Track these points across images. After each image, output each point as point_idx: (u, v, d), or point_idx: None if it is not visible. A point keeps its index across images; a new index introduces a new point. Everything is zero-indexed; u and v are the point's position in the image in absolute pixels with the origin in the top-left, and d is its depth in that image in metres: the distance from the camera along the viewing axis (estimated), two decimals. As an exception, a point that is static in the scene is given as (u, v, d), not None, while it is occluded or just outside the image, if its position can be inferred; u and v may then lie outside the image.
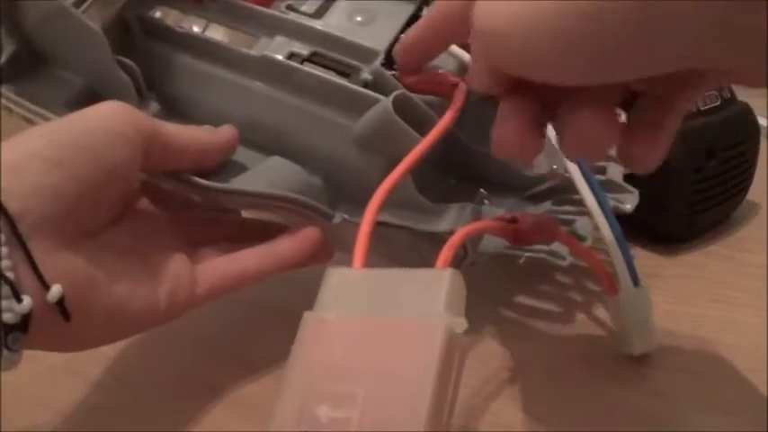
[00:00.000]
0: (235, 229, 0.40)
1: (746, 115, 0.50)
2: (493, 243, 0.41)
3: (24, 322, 0.28)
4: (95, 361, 0.42)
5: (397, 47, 0.37)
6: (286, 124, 0.40)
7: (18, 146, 0.30)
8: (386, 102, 0.37)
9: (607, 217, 0.39)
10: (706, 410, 0.36)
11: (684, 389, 0.38)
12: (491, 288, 0.46)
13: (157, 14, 0.44)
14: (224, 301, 0.45)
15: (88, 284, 0.31)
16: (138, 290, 0.33)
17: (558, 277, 0.47)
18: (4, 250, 0.28)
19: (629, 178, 0.44)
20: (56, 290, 0.29)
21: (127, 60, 0.40)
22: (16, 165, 0.29)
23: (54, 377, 0.41)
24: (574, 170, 0.40)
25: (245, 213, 0.44)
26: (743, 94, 0.51)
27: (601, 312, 0.44)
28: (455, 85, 0.38)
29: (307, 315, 0.29)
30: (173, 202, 0.39)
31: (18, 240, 0.28)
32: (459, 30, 0.32)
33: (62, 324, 0.30)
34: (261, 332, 0.43)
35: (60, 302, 0.29)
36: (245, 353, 0.42)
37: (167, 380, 0.41)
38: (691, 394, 0.37)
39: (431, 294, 0.28)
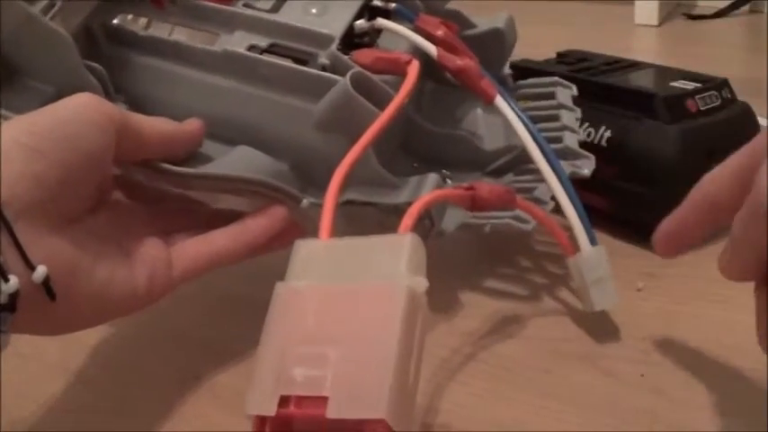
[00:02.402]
0: (206, 219, 0.41)
1: (746, 115, 0.50)
2: (458, 215, 0.43)
3: (12, 302, 0.29)
4: (93, 360, 0.43)
5: (656, 235, 0.36)
6: (250, 115, 0.42)
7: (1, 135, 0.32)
8: (344, 80, 0.38)
9: (561, 180, 0.40)
10: (706, 410, 0.36)
11: (684, 388, 0.37)
12: (478, 286, 0.47)
13: (120, 21, 0.45)
14: (218, 300, 0.46)
15: (72, 267, 0.32)
16: (118, 273, 0.35)
17: (552, 268, 0.48)
18: None
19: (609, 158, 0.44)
20: (41, 270, 0.30)
21: (94, 64, 0.41)
22: (3, 154, 0.31)
23: (53, 376, 0.42)
24: (527, 139, 0.41)
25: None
26: (743, 95, 0.51)
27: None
28: (408, 63, 0.40)
29: (279, 285, 0.31)
30: (145, 196, 0.41)
31: (4, 224, 0.29)
32: (724, 216, 0.32)
33: (48, 305, 0.31)
34: (257, 329, 0.44)
35: (46, 282, 0.30)
36: (242, 350, 0.42)
37: (165, 379, 0.41)
38: (690, 394, 0.37)
39: (393, 258, 0.30)
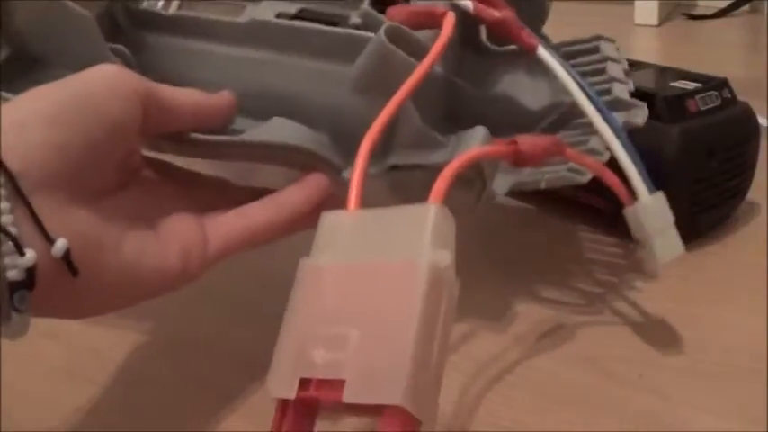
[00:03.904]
0: (240, 197, 0.39)
1: (747, 115, 0.50)
2: (510, 177, 0.41)
3: (29, 278, 0.28)
4: (95, 361, 0.42)
5: None
6: (284, 86, 0.40)
7: (20, 106, 0.31)
8: (379, 34, 0.36)
9: (613, 128, 0.39)
10: (705, 410, 0.36)
11: (684, 389, 0.37)
12: (486, 286, 0.46)
13: (144, 4, 0.44)
14: (226, 304, 0.45)
15: (96, 242, 0.31)
16: (148, 250, 0.33)
17: (564, 271, 0.48)
18: (6, 205, 0.28)
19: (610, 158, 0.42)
20: (61, 243, 0.29)
21: (119, 47, 0.40)
22: (19, 123, 0.30)
23: (54, 377, 0.41)
24: (573, 88, 0.39)
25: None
26: (743, 95, 0.50)
27: (601, 309, 0.44)
28: (443, 15, 0.38)
29: (302, 262, 0.30)
30: (177, 177, 0.40)
31: (19, 195, 0.28)
32: None
33: (71, 283, 0.30)
34: (262, 333, 0.44)
35: (67, 257, 0.29)
36: (249, 353, 0.40)
37: (167, 380, 0.41)
38: (690, 394, 0.37)
39: (417, 231, 0.28)
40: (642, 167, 0.38)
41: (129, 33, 0.43)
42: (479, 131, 0.39)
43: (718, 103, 0.49)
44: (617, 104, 0.43)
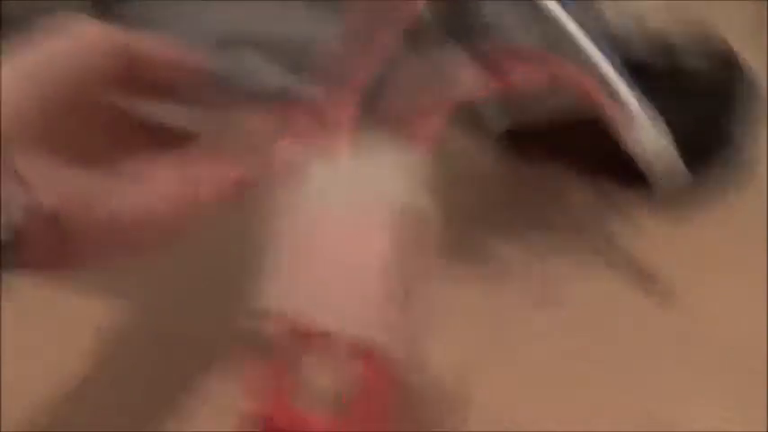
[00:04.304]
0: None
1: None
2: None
3: (16, 235, 0.28)
4: (94, 361, 0.42)
5: None
6: (258, 26, 0.40)
7: (2, 66, 0.31)
8: None
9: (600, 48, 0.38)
10: (705, 410, 0.36)
11: (683, 388, 0.37)
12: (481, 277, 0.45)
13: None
14: (221, 299, 0.44)
15: (82, 198, 0.31)
16: (136, 201, 0.33)
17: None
18: None
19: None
20: (47, 198, 0.29)
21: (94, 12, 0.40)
22: (1, 83, 0.30)
23: (53, 377, 0.41)
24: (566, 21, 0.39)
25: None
26: None
27: (598, 303, 0.43)
28: None
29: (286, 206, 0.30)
30: (162, 132, 0.39)
31: (3, 152, 0.28)
32: None
33: (58, 236, 0.30)
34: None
35: (52, 211, 0.29)
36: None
37: (165, 379, 0.41)
38: (690, 393, 0.37)
39: (393, 173, 0.30)
40: (636, 88, 0.38)
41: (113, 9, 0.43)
42: (468, 72, 0.37)
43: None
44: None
